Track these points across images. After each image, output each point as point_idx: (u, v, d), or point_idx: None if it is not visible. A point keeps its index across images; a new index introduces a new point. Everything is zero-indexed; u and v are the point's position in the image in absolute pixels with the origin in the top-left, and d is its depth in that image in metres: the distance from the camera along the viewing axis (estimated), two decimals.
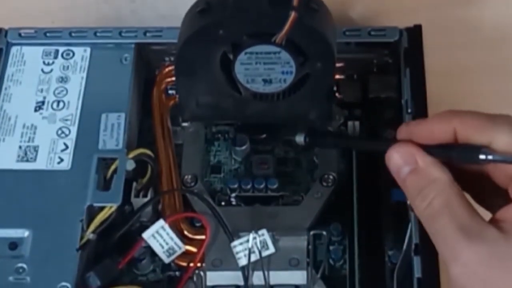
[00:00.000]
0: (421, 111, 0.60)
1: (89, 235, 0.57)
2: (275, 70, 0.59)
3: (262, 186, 0.62)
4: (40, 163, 0.60)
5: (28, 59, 0.65)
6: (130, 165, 0.59)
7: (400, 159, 0.49)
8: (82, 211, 0.57)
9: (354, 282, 0.58)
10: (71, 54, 0.65)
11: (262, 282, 0.57)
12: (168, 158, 0.63)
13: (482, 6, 0.76)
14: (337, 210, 0.61)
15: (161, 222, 0.57)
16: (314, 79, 0.59)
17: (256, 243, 0.57)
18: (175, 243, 0.58)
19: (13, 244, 0.56)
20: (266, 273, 0.57)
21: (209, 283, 0.57)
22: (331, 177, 0.61)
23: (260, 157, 0.64)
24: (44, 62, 0.65)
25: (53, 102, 0.63)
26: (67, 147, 0.60)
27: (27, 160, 0.60)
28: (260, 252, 0.57)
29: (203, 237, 0.58)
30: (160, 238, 0.57)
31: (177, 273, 0.59)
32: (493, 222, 0.46)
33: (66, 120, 0.62)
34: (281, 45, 0.56)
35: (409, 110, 0.60)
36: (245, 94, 0.60)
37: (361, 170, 0.62)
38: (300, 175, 0.63)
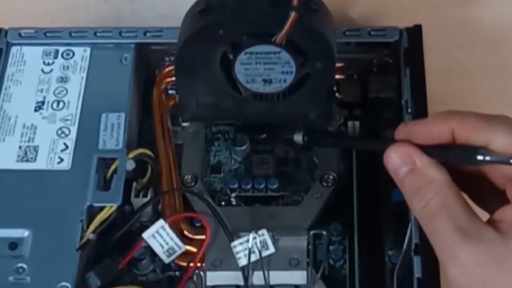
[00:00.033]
0: (421, 111, 0.60)
1: (89, 235, 0.57)
2: (275, 70, 0.59)
3: (262, 186, 0.62)
4: (40, 163, 0.60)
5: (28, 59, 0.65)
6: (130, 165, 0.59)
7: (398, 159, 0.49)
8: (82, 211, 0.57)
9: (354, 282, 0.58)
10: (71, 54, 0.65)
11: (262, 282, 0.57)
12: (168, 158, 0.63)
13: (482, 6, 0.76)
14: (337, 210, 0.61)
15: (161, 222, 0.57)
16: (314, 79, 0.59)
17: (256, 243, 0.57)
18: (175, 243, 0.58)
19: (13, 244, 0.56)
20: (266, 273, 0.57)
21: (209, 283, 0.57)
22: (331, 177, 0.61)
23: (260, 157, 0.64)
24: (44, 62, 0.65)
25: (53, 102, 0.63)
26: (67, 147, 0.60)
27: (27, 160, 0.60)
28: (260, 252, 0.57)
29: (203, 237, 0.58)
30: (160, 238, 0.57)
31: (177, 273, 0.59)
32: (491, 222, 0.46)
33: (66, 120, 0.62)
34: (281, 45, 0.56)
35: (409, 110, 0.60)
36: (245, 94, 0.60)
37: (361, 170, 0.62)
38: (300, 175, 0.63)
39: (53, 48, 0.65)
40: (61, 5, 0.77)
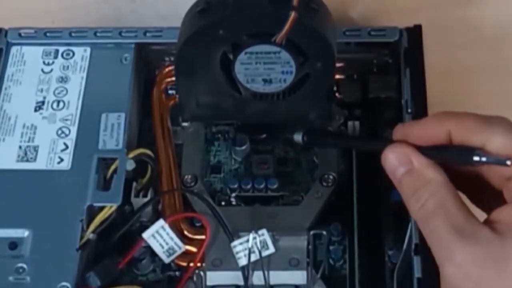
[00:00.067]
0: (421, 111, 0.60)
1: (89, 235, 0.57)
2: (275, 70, 0.59)
3: (262, 186, 0.62)
4: (40, 163, 0.60)
5: (28, 59, 0.65)
6: (130, 165, 0.59)
7: (395, 160, 0.49)
8: (82, 211, 0.57)
9: (354, 282, 0.58)
10: (71, 54, 0.65)
11: (262, 282, 0.57)
12: (168, 158, 0.63)
13: (482, 6, 0.76)
14: (337, 210, 0.61)
15: (161, 222, 0.57)
16: (314, 79, 0.59)
17: (256, 243, 0.57)
18: (175, 243, 0.58)
19: (13, 244, 0.56)
20: (266, 273, 0.57)
21: (209, 283, 0.57)
22: (331, 177, 0.61)
23: (260, 157, 0.64)
24: (44, 62, 0.65)
25: (53, 102, 0.63)
26: (67, 147, 0.60)
27: (27, 160, 0.60)
28: (260, 252, 0.57)
29: (203, 237, 0.58)
30: (160, 238, 0.57)
31: (177, 273, 0.59)
32: (488, 222, 0.46)
33: (66, 120, 0.62)
34: (281, 45, 0.56)
35: (409, 110, 0.60)
36: (245, 94, 0.60)
37: (361, 170, 0.62)
38: (300, 175, 0.63)
39: (53, 48, 0.65)
40: (61, 5, 0.77)
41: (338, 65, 0.60)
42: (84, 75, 0.64)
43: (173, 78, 0.63)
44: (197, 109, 0.62)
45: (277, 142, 0.64)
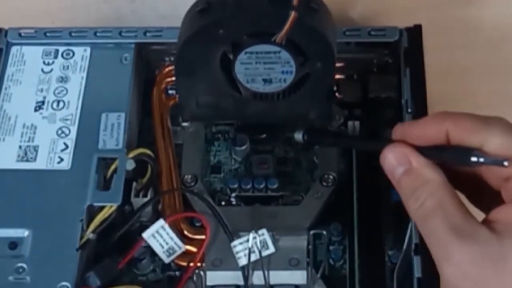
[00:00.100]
0: (421, 111, 0.60)
1: (89, 235, 0.57)
2: (275, 70, 0.59)
3: (262, 186, 0.62)
4: (40, 163, 0.60)
5: (28, 59, 0.65)
6: (130, 165, 0.59)
7: (394, 160, 0.49)
8: (82, 211, 0.57)
9: (354, 282, 0.58)
10: (71, 54, 0.65)
11: (262, 282, 0.57)
12: (168, 158, 0.63)
13: (482, 6, 0.76)
14: (337, 210, 0.61)
15: (161, 222, 0.57)
16: (314, 79, 0.59)
17: (256, 243, 0.57)
18: (175, 243, 0.58)
19: (13, 244, 0.56)
20: (266, 273, 0.57)
21: (209, 283, 0.57)
22: (331, 177, 0.61)
23: (260, 157, 0.64)
24: (44, 62, 0.65)
25: (53, 102, 0.63)
26: (67, 147, 0.60)
27: (27, 160, 0.60)
28: (260, 252, 0.57)
29: (203, 237, 0.58)
30: (160, 238, 0.57)
31: (177, 273, 0.59)
32: (486, 222, 0.46)
33: (66, 120, 0.62)
34: (281, 44, 0.56)
35: (409, 110, 0.60)
36: (245, 94, 0.60)
37: (361, 170, 0.62)
38: (300, 175, 0.63)
39: (53, 48, 0.65)
40: (61, 5, 0.77)
41: (338, 65, 0.60)
42: (84, 75, 0.64)
43: (173, 78, 0.63)
44: (197, 109, 0.62)
45: (277, 142, 0.64)
